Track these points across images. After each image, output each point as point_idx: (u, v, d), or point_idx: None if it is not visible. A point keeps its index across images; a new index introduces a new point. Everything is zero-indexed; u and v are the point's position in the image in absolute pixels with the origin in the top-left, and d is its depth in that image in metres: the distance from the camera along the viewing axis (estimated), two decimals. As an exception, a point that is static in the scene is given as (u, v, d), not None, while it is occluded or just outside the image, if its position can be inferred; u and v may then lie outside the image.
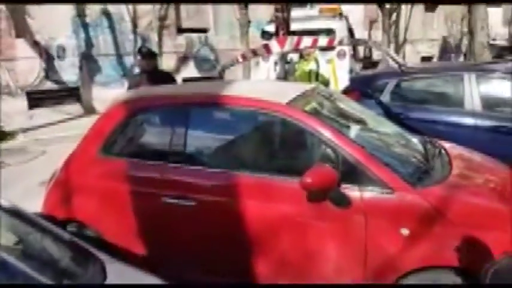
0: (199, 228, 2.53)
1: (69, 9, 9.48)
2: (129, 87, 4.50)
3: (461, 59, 17.71)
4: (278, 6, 4.46)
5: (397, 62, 3.66)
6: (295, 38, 4.33)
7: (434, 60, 17.12)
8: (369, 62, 11.53)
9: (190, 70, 11.34)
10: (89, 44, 9.87)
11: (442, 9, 18.27)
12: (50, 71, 9.35)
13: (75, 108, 9.78)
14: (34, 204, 2.90)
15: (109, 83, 10.34)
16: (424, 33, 17.71)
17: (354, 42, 5.91)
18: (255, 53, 4.40)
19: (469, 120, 4.11)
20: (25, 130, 8.16)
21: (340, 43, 4.29)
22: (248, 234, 2.41)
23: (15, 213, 1.76)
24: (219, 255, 2.52)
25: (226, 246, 2.49)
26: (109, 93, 10.16)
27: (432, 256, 2.14)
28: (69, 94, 9.75)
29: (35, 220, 1.79)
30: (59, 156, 6.36)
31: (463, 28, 17.87)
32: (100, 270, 1.58)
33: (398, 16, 15.38)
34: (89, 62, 9.92)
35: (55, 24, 9.31)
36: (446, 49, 16.84)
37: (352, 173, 2.25)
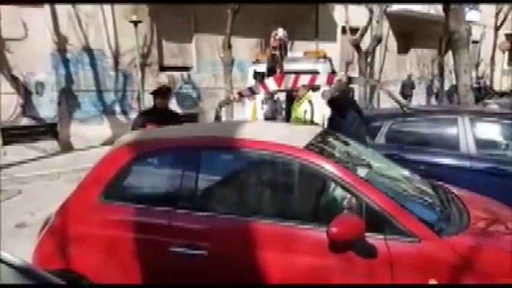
0: (211, 280, 2.36)
1: (49, 45, 9.32)
2: (134, 126, 4.11)
3: (433, 99, 18.45)
4: (276, 45, 4.47)
5: (399, 103, 3.69)
6: (293, 76, 4.32)
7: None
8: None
9: (172, 107, 11.22)
10: (68, 79, 9.68)
11: (414, 52, 19.18)
12: (27, 106, 9.05)
13: (51, 144, 9.43)
14: (11, 248, 2.64)
15: (88, 119, 10.10)
16: (398, 74, 18.45)
17: (356, 82, 5.95)
18: (251, 91, 4.36)
19: (464, 163, 4.17)
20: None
21: (339, 81, 4.31)
22: (265, 286, 2.26)
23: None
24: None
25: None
26: (87, 130, 9.95)
27: (462, 309, 2.05)
28: (46, 130, 9.42)
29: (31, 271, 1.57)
30: (35, 196, 6.08)
31: (434, 70, 18.78)
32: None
33: (373, 58, 15.98)
34: (68, 97, 9.69)
35: (34, 59, 9.11)
36: (405, 89, 17.40)
37: (376, 222, 2.17)
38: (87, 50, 9.93)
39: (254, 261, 2.27)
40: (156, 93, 4.35)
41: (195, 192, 2.49)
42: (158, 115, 4.12)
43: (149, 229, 2.49)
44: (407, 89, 17.06)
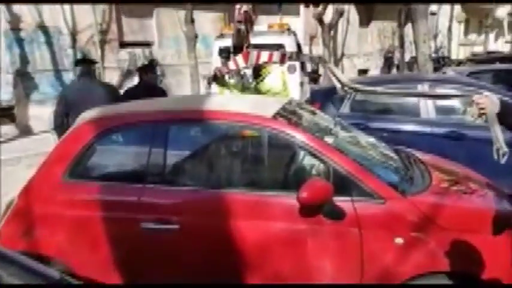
0: (185, 253, 2.37)
1: (1, 23, 8.76)
2: None
3: (395, 70, 18.88)
4: (241, 19, 4.35)
5: (340, 81, 3.52)
6: (255, 52, 4.30)
7: (371, 72, 18.09)
8: (316, 76, 11.89)
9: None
10: (24, 60, 9.18)
11: (375, 25, 19.43)
12: (-19, 89, 8.55)
13: (9, 129, 9.00)
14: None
15: (46, 101, 9.66)
16: (360, 47, 18.70)
17: (302, 58, 6.04)
18: (225, 69, 4.42)
19: (425, 128, 4.34)
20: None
21: (290, 58, 4.29)
22: (240, 255, 2.30)
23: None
24: (210, 280, 2.37)
25: (217, 270, 2.35)
26: (46, 112, 9.51)
27: (427, 263, 2.17)
28: (2, 114, 8.96)
29: (12, 257, 1.53)
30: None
31: (395, 42, 19.14)
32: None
33: (336, 31, 16.09)
34: (24, 79, 9.21)
35: (-15, 40, 8.56)
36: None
37: (343, 185, 2.24)
38: (42, 27, 9.41)
39: (227, 231, 2.30)
40: (145, 68, 4.17)
41: (164, 167, 2.46)
42: (146, 92, 3.82)
43: (118, 207, 2.45)
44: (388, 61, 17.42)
